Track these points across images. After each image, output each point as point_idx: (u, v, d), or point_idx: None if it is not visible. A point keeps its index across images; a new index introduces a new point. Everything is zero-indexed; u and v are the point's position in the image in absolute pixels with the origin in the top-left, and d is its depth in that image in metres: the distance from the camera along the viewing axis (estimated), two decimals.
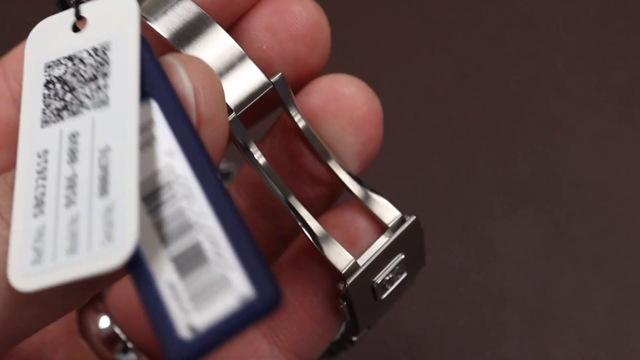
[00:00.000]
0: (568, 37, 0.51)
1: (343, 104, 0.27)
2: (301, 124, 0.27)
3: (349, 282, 0.27)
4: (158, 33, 0.26)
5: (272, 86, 0.27)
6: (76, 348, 0.30)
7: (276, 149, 0.29)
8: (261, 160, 0.27)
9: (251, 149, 0.27)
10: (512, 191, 0.46)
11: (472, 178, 0.46)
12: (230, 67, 0.26)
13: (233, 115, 0.27)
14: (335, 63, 0.49)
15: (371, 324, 0.30)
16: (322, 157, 0.28)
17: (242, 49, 0.26)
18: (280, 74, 0.27)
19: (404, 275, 0.29)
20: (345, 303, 0.28)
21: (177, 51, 0.26)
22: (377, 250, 0.28)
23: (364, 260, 0.28)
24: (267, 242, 0.30)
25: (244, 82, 0.27)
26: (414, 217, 0.28)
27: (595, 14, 0.51)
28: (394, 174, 0.46)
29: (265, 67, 0.27)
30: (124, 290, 0.31)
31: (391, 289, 0.29)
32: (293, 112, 0.27)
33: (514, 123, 0.48)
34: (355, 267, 0.28)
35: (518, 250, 0.44)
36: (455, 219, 0.45)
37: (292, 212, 0.27)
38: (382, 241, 0.28)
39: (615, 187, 0.46)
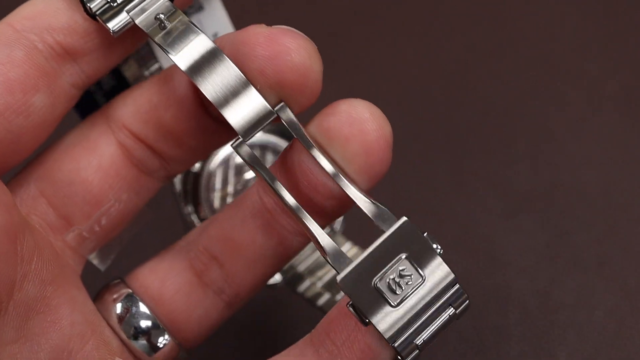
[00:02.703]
0: (565, 46, 0.51)
1: (356, 129, 0.30)
2: (315, 153, 0.30)
3: (343, 281, 0.28)
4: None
5: (275, 115, 0.29)
6: (102, 341, 0.31)
7: (288, 168, 0.31)
8: (272, 178, 0.30)
9: (261, 169, 0.30)
10: (514, 196, 0.46)
11: (475, 183, 0.47)
12: (235, 93, 0.29)
13: (240, 140, 0.29)
14: (337, 69, 0.49)
15: (416, 343, 0.30)
16: (331, 175, 0.30)
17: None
18: (282, 103, 0.30)
19: (421, 279, 0.29)
20: (351, 305, 0.29)
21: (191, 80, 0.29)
22: (366, 250, 0.29)
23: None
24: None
25: (249, 108, 0.29)
26: (403, 218, 0.29)
27: (591, 23, 0.51)
28: (398, 182, 0.46)
29: None
30: (153, 276, 0.33)
31: (406, 294, 0.29)
32: (301, 137, 0.30)
33: (515, 130, 0.48)
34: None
35: (521, 255, 0.44)
36: (458, 224, 0.45)
37: (304, 226, 0.29)
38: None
39: (616, 192, 0.46)
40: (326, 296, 0.40)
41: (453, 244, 0.45)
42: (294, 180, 0.31)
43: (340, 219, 0.41)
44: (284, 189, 0.29)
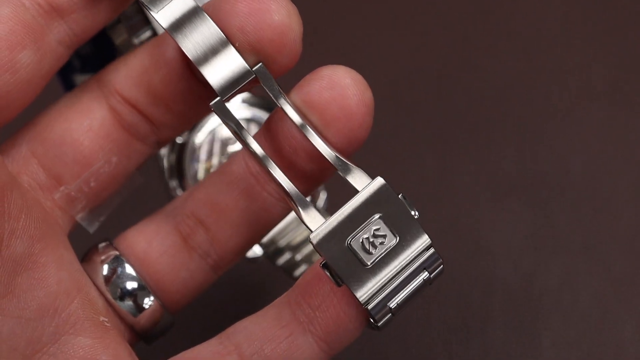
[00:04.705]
0: (555, 33, 0.51)
1: (337, 93, 0.30)
2: (287, 108, 0.30)
3: (316, 237, 0.29)
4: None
5: (254, 75, 0.30)
6: (88, 301, 0.32)
7: (272, 134, 0.32)
8: (252, 143, 0.30)
9: (242, 131, 0.30)
10: (499, 183, 0.46)
11: (460, 169, 0.47)
12: (215, 51, 0.29)
13: (218, 99, 0.30)
14: (329, 56, 0.49)
15: (389, 306, 0.30)
16: (307, 135, 0.30)
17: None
18: (260, 64, 0.30)
19: (395, 240, 0.29)
20: (326, 267, 0.29)
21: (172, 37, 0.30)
22: (342, 209, 0.29)
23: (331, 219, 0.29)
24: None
25: (228, 68, 0.30)
26: (378, 178, 0.29)
27: (578, 13, 0.51)
28: (383, 166, 0.46)
29: None
30: (140, 238, 0.33)
31: (379, 254, 0.29)
32: (280, 101, 0.30)
33: (501, 115, 0.48)
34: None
35: (506, 241, 0.44)
36: (444, 211, 0.45)
37: (275, 179, 0.30)
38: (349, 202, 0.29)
39: (601, 177, 0.46)
40: (303, 267, 0.41)
41: (438, 231, 0.45)
42: (277, 145, 0.31)
43: (324, 197, 0.41)
44: (253, 140, 0.30)
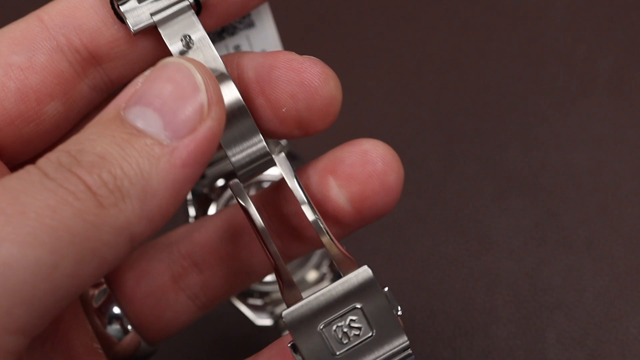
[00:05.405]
0: (555, 28, 0.51)
1: (380, 168, 0.31)
2: (297, 192, 0.30)
3: (288, 315, 0.28)
4: None
5: (274, 164, 0.30)
6: (83, 325, 0.32)
7: (269, 206, 0.33)
8: (258, 221, 0.30)
9: (250, 209, 0.30)
10: (503, 178, 0.46)
11: (464, 166, 0.47)
12: (244, 138, 0.30)
13: (236, 180, 0.30)
14: (329, 53, 0.49)
15: None
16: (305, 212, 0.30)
17: (265, 104, 0.30)
18: (282, 154, 0.31)
19: (370, 334, 0.29)
20: (294, 348, 0.28)
21: None
22: (320, 290, 0.29)
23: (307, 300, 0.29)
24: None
25: (250, 149, 0.30)
26: (364, 267, 0.29)
27: (581, 5, 0.51)
28: None
29: (277, 124, 0.31)
30: (129, 275, 0.33)
31: (351, 346, 0.28)
32: (291, 184, 0.30)
33: (504, 112, 0.48)
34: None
35: (509, 237, 0.44)
36: (448, 206, 0.45)
37: (269, 256, 0.30)
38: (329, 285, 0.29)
39: (605, 174, 0.46)
40: None
41: (443, 226, 0.45)
42: (278, 215, 0.32)
43: None
44: (259, 218, 0.30)
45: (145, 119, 0.26)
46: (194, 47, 0.30)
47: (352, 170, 0.31)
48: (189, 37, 0.30)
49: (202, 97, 0.27)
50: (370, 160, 0.31)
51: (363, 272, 0.29)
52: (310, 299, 0.28)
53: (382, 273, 0.43)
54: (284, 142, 0.43)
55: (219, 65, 0.29)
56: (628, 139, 0.47)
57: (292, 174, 0.30)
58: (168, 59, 0.28)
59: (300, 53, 0.31)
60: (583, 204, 0.45)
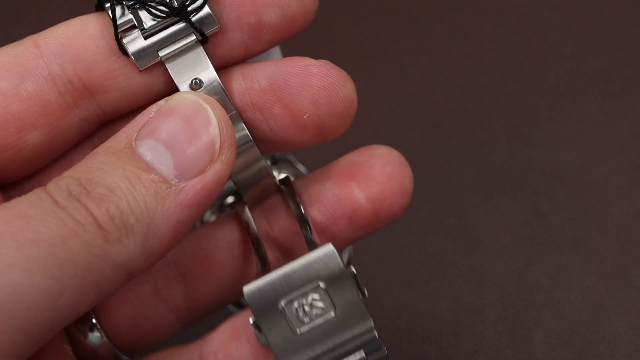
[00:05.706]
0: (543, 27, 0.51)
1: (397, 171, 0.32)
2: (296, 210, 0.31)
3: (247, 287, 0.28)
4: None
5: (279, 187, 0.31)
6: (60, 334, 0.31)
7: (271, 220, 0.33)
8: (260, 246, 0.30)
9: (251, 224, 0.30)
10: (491, 177, 0.46)
11: (451, 165, 0.46)
12: (250, 167, 0.30)
13: (246, 207, 0.31)
14: (317, 48, 0.49)
15: None
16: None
17: (283, 112, 0.30)
18: (287, 176, 0.31)
19: (330, 313, 0.28)
20: (255, 326, 0.28)
21: None
22: (282, 268, 0.29)
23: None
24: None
25: (256, 178, 0.30)
26: (328, 244, 0.29)
27: (570, 3, 0.51)
28: None
29: (297, 132, 0.30)
30: (117, 304, 0.32)
31: (312, 326, 0.28)
32: (292, 204, 0.31)
33: (492, 110, 0.48)
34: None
35: (497, 235, 0.44)
36: (435, 205, 0.45)
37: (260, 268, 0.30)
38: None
39: (593, 173, 0.46)
40: None
41: (430, 225, 0.45)
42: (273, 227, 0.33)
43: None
44: (261, 244, 0.30)
45: (156, 154, 0.27)
46: (203, 87, 0.29)
47: (372, 172, 0.32)
48: (199, 80, 0.29)
49: (215, 140, 0.27)
50: (389, 163, 0.32)
51: (326, 249, 0.28)
52: (271, 276, 0.28)
53: (370, 271, 0.43)
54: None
55: (229, 105, 0.29)
56: (616, 138, 0.47)
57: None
58: (185, 95, 0.28)
59: (284, 54, 0.31)
60: (571, 203, 0.45)
